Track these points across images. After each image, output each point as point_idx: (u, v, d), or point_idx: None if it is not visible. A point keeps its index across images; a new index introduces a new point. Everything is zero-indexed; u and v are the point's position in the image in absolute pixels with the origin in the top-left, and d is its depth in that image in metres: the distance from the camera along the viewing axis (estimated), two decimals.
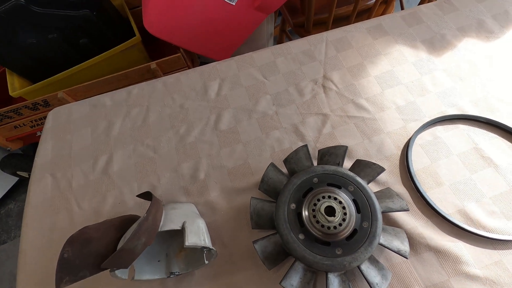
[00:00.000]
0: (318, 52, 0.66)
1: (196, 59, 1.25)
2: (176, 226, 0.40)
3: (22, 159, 1.23)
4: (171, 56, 1.02)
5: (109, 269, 0.38)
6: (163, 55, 1.05)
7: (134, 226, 0.42)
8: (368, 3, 1.11)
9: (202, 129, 0.60)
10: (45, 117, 1.06)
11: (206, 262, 0.46)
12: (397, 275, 0.44)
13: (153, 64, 1.02)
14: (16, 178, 1.37)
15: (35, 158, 0.61)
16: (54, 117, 0.66)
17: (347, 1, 1.12)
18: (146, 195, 0.48)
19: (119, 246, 0.40)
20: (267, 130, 0.58)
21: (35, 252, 0.52)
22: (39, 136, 1.17)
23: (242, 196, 0.52)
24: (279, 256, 0.45)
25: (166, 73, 1.07)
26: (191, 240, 0.39)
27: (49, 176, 0.59)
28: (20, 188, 1.42)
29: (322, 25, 1.12)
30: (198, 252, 0.48)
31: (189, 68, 1.11)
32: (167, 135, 0.60)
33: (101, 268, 0.37)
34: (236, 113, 0.61)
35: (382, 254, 0.46)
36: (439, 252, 0.44)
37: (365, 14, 1.11)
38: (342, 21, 1.12)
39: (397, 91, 0.59)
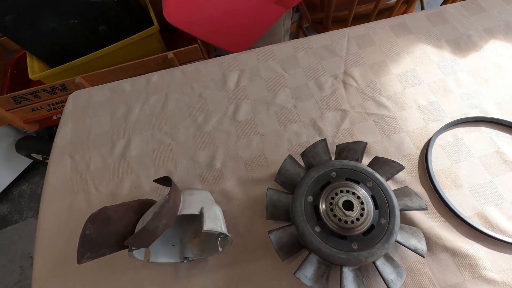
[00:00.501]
0: (339, 47, 0.65)
1: (212, 51, 1.26)
2: (194, 211, 0.40)
3: (37, 142, 1.25)
4: (188, 47, 1.03)
5: (128, 249, 0.39)
6: (178, 46, 1.05)
7: (152, 209, 0.43)
8: (389, 2, 1.09)
9: (220, 118, 0.60)
10: (62, 101, 1.08)
11: (220, 249, 0.46)
12: (412, 274, 0.44)
13: (170, 54, 1.02)
14: (30, 161, 1.39)
15: (55, 139, 0.63)
16: (74, 101, 0.67)
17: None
18: (164, 180, 0.49)
19: (137, 228, 0.41)
20: (285, 123, 0.58)
21: (53, 230, 0.53)
22: (55, 119, 1.19)
23: (258, 187, 0.52)
24: (293, 248, 0.45)
25: (182, 63, 1.07)
26: (208, 225, 0.39)
27: (68, 158, 0.60)
28: (33, 170, 1.45)
29: (341, 23, 1.11)
30: (212, 239, 0.48)
31: (204, 59, 1.11)
32: (185, 123, 0.60)
33: (122, 246, 0.38)
34: (254, 104, 0.61)
35: (397, 252, 0.45)
36: (455, 254, 0.44)
37: (385, 13, 1.09)
38: (362, 19, 1.11)
39: (419, 90, 0.58)
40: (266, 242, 0.48)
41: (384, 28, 0.66)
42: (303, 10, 1.20)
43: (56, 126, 1.35)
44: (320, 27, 1.16)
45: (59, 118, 1.19)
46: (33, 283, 0.50)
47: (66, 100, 1.07)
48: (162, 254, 0.46)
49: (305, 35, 1.35)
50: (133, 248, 0.38)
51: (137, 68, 1.04)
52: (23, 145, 1.26)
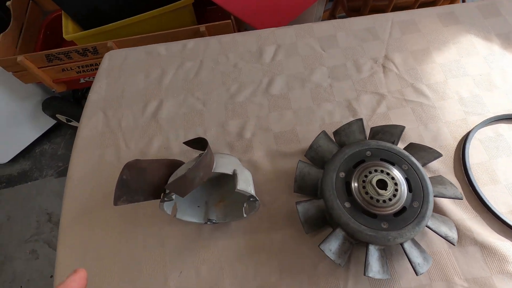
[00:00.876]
0: (382, 31, 0.63)
1: (243, 30, 1.24)
2: (228, 171, 0.41)
3: (63, 103, 1.28)
4: (221, 22, 1.02)
5: (160, 199, 0.39)
6: (208, 22, 1.04)
7: (185, 165, 0.43)
8: None
9: (253, 90, 0.59)
10: (91, 64, 1.10)
11: (245, 215, 0.46)
12: (437, 263, 0.43)
13: (202, 27, 1.02)
14: (54, 121, 1.43)
15: (89, 94, 0.64)
16: (110, 59, 0.68)
17: None
18: (195, 143, 0.49)
19: (169, 181, 0.42)
20: (319, 101, 0.57)
21: (81, 180, 0.55)
22: (82, 83, 1.21)
23: (286, 160, 0.52)
24: (318, 222, 0.45)
25: None
26: (241, 186, 0.39)
27: (101, 113, 0.61)
28: (56, 131, 1.50)
29: (378, 13, 1.08)
30: (236, 205, 0.48)
31: None
32: (218, 91, 0.60)
33: (155, 195, 0.38)
34: (289, 80, 0.60)
35: (423, 239, 0.45)
36: (485, 248, 0.43)
37: (427, 6, 1.05)
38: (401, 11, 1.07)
39: (463, 82, 0.56)
40: (290, 214, 0.48)
41: (431, 15, 0.64)
42: None
43: (82, 90, 1.38)
44: (356, 16, 1.13)
45: (86, 81, 1.21)
46: (60, 228, 0.52)
47: (95, 63, 1.09)
48: (188, 213, 0.47)
49: None
50: (165, 199, 0.39)
51: (168, 38, 1.04)
52: (50, 104, 1.29)
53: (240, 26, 1.22)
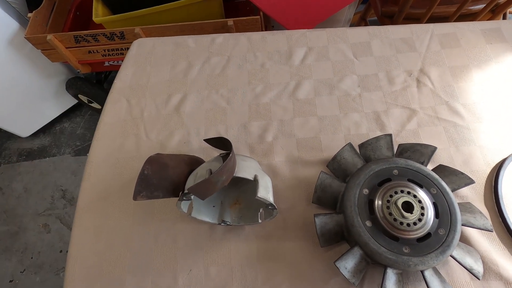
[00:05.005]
0: (419, 43, 0.60)
1: (270, 27, 1.22)
2: (249, 176, 0.40)
3: (86, 84, 1.30)
4: (249, 17, 1.00)
5: (179, 198, 0.39)
6: (234, 17, 1.02)
7: (205, 165, 0.43)
8: (474, 7, 1.00)
9: (279, 93, 0.58)
10: (117, 49, 1.10)
11: (260, 221, 0.46)
12: None
13: (230, 21, 1.00)
14: (76, 101, 1.46)
15: (115, 81, 0.64)
16: (138, 47, 0.67)
17: (449, 1, 1.02)
18: (216, 141, 0.48)
19: (189, 179, 0.41)
20: (346, 110, 0.55)
21: (101, 166, 0.55)
22: (106, 66, 1.23)
23: (307, 168, 0.51)
24: (335, 237, 0.44)
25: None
26: (261, 193, 0.38)
27: (124, 100, 0.61)
28: (76, 111, 1.53)
29: (413, 21, 1.03)
30: (252, 209, 0.47)
31: None
32: (243, 90, 0.59)
33: (174, 193, 0.38)
34: (317, 85, 0.58)
35: (444, 267, 0.43)
36: (510, 284, 0.40)
37: (466, 18, 1.00)
38: (437, 21, 1.03)
39: (502, 105, 0.53)
40: (306, 224, 0.47)
41: (474, 31, 0.60)
42: (374, 0, 1.13)
43: (105, 72, 1.40)
44: (388, 21, 1.09)
45: (110, 65, 1.23)
46: (77, 210, 0.52)
47: (121, 48, 1.10)
48: (203, 213, 0.47)
49: None
50: (184, 198, 0.38)
51: (195, 29, 1.03)
52: (73, 84, 1.32)
53: (268, 22, 1.20)
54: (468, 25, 0.61)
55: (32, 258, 1.22)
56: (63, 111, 1.47)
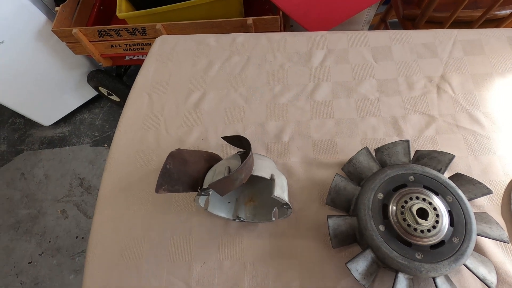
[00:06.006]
0: (442, 48, 0.59)
1: (289, 27, 1.22)
2: (266, 175, 0.41)
3: (107, 77, 1.34)
4: (269, 16, 1.01)
5: (198, 192, 0.41)
6: (252, 15, 1.03)
7: (224, 162, 0.44)
8: (500, 12, 0.97)
9: (297, 94, 0.59)
10: (138, 44, 1.13)
11: (273, 219, 0.47)
12: None
13: (249, 20, 1.01)
14: (96, 93, 1.51)
15: (137, 77, 0.66)
16: (161, 43, 0.69)
17: (474, 5, 0.99)
18: (234, 139, 0.49)
19: (208, 175, 0.43)
20: (363, 114, 0.55)
21: (122, 158, 0.57)
22: (127, 60, 1.26)
23: (322, 170, 0.51)
24: (347, 239, 0.44)
25: (258, 32, 1.06)
26: (277, 192, 0.39)
27: (146, 96, 0.63)
28: (96, 103, 1.57)
29: (435, 25, 1.01)
30: (266, 207, 0.49)
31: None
32: (261, 90, 0.60)
33: (193, 188, 0.40)
34: (335, 87, 0.58)
35: (457, 275, 0.43)
36: None
37: (491, 24, 0.98)
38: (461, 26, 1.00)
39: None
40: (318, 225, 0.48)
41: (500, 38, 0.59)
42: (395, 2, 1.11)
43: (125, 67, 1.43)
44: (409, 24, 1.07)
45: (131, 59, 1.26)
46: (98, 200, 0.55)
47: (142, 43, 1.13)
48: (218, 208, 0.48)
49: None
50: (203, 193, 0.40)
51: (214, 27, 1.05)
52: (94, 77, 1.36)
53: (286, 22, 1.20)
54: (493, 32, 0.60)
55: (50, 241, 1.28)
56: (83, 102, 1.52)
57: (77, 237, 1.27)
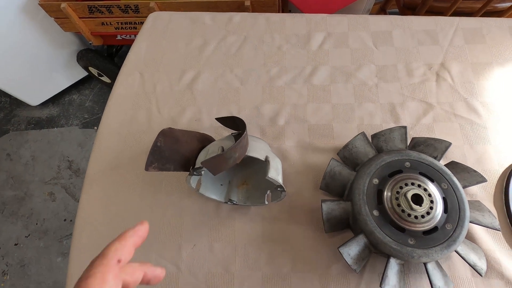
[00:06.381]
0: (443, 36, 0.58)
1: (287, 11, 1.19)
2: (261, 156, 0.40)
3: (97, 57, 1.29)
4: None
5: (189, 172, 0.39)
6: None
7: (217, 142, 0.43)
8: (500, 5, 0.96)
9: (294, 77, 0.57)
10: (131, 23, 1.09)
11: (266, 203, 0.46)
12: None
13: (247, 1, 0.98)
14: (86, 73, 1.46)
15: (129, 53, 0.63)
16: (154, 20, 0.66)
17: None
18: (227, 121, 0.48)
19: (200, 155, 0.41)
20: (361, 100, 0.54)
21: (111, 137, 0.55)
22: (119, 40, 1.21)
23: (317, 155, 0.51)
24: (340, 224, 0.44)
25: None
26: (271, 174, 0.38)
27: (137, 74, 0.60)
28: (86, 83, 1.52)
29: (436, 15, 1.00)
30: (259, 190, 0.48)
31: None
32: (258, 72, 0.58)
33: (184, 167, 0.38)
34: (333, 72, 0.57)
35: (447, 262, 0.43)
36: (511, 285, 0.41)
37: (492, 16, 0.97)
38: (462, 16, 0.99)
39: None
40: (312, 209, 0.47)
41: (501, 27, 0.58)
42: None
43: (117, 47, 1.38)
44: (410, 14, 1.05)
45: (123, 39, 1.21)
46: (85, 179, 0.53)
47: (135, 22, 1.08)
48: (210, 190, 0.47)
49: None
50: (194, 173, 0.38)
51: (210, 7, 1.01)
52: (84, 56, 1.31)
53: (285, 6, 1.17)
54: (495, 21, 0.59)
55: (37, 224, 1.25)
56: (72, 82, 1.46)
57: (65, 219, 1.25)
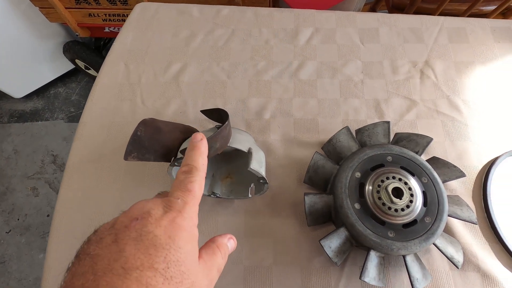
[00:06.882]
0: (428, 34, 0.59)
1: (278, 5, 1.19)
2: (243, 148, 0.39)
3: (84, 49, 1.27)
4: None
5: (170, 163, 0.39)
6: None
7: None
8: (485, 8, 0.98)
9: (281, 71, 0.57)
10: (119, 15, 1.07)
11: (250, 196, 0.46)
12: (434, 282, 0.42)
13: None
14: (72, 66, 1.42)
15: (114, 43, 0.62)
16: (141, 11, 0.65)
17: None
18: (212, 113, 0.48)
19: (182, 146, 0.41)
20: (346, 95, 0.54)
21: (93, 127, 0.54)
22: (107, 32, 1.19)
23: (301, 149, 0.51)
24: (322, 217, 0.44)
25: None
26: (254, 165, 0.38)
27: (122, 64, 0.59)
28: (72, 76, 1.49)
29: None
30: (243, 184, 0.47)
31: None
32: (244, 65, 0.58)
33: (165, 158, 0.38)
34: (320, 67, 0.57)
35: (426, 255, 0.44)
36: (486, 277, 0.42)
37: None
38: None
39: (503, 105, 0.52)
40: (295, 203, 0.47)
41: (484, 28, 0.59)
42: None
43: (105, 39, 1.36)
44: (398, 13, 1.06)
45: (111, 31, 1.19)
46: (65, 170, 0.52)
47: (123, 14, 1.06)
48: None
49: None
50: (175, 164, 0.38)
51: (200, 1, 1.00)
52: (71, 48, 1.28)
53: (276, 2, 1.17)
54: (479, 22, 0.60)
55: (18, 219, 1.22)
56: (58, 75, 1.43)
57: (48, 215, 1.22)
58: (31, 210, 1.23)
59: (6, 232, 1.20)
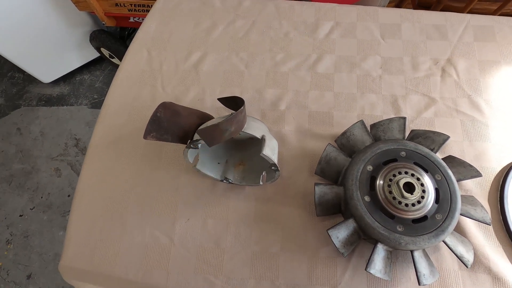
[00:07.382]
0: (452, 32, 0.58)
1: None
2: (257, 134, 0.40)
3: (110, 38, 1.31)
4: None
5: (186, 145, 0.40)
6: None
7: (216, 119, 0.43)
8: None
9: (298, 64, 0.57)
10: (144, 5, 1.10)
11: (261, 183, 0.47)
12: (442, 280, 0.42)
13: None
14: (98, 54, 1.48)
15: (138, 31, 0.64)
16: (165, 1, 0.67)
17: None
18: (229, 101, 0.49)
19: (198, 130, 0.42)
20: (363, 90, 0.54)
21: (115, 110, 0.57)
22: (131, 22, 1.23)
23: (315, 141, 0.51)
24: (332, 208, 0.45)
25: None
26: (266, 152, 0.39)
27: (145, 51, 0.62)
28: (97, 65, 1.55)
29: None
30: (255, 172, 0.48)
31: None
32: (263, 56, 0.59)
33: (183, 140, 0.39)
34: (338, 61, 0.57)
35: (435, 253, 0.43)
36: (497, 280, 0.41)
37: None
38: None
39: None
40: (305, 193, 0.48)
41: None
42: None
43: (129, 29, 1.40)
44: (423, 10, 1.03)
45: (136, 21, 1.23)
46: (88, 150, 0.55)
47: (148, 5, 1.09)
48: (207, 167, 0.48)
49: None
50: (191, 146, 0.39)
51: None
52: (97, 37, 1.33)
53: None
54: (508, 20, 0.58)
55: (42, 197, 1.29)
56: (84, 62, 1.49)
57: (69, 195, 1.29)
58: (54, 190, 1.30)
59: (30, 209, 1.27)
